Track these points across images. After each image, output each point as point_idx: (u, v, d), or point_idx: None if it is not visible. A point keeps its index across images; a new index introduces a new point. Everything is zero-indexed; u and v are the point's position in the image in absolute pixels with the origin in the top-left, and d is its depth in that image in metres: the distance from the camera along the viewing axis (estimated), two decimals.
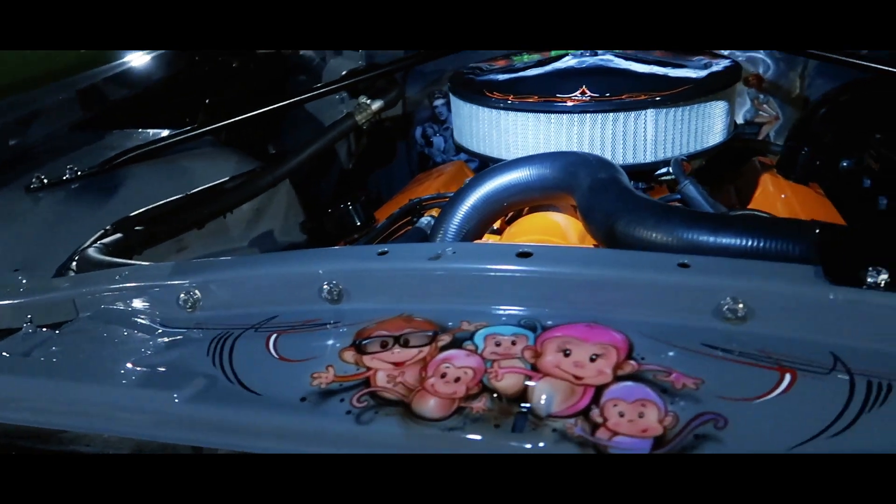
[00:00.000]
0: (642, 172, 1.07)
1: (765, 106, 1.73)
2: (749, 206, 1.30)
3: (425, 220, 1.07)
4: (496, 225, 1.07)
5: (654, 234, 0.70)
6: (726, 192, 1.49)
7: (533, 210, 1.02)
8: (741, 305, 0.57)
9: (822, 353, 0.54)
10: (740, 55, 1.69)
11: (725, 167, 1.58)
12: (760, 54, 1.70)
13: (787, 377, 0.52)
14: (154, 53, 1.67)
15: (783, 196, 1.28)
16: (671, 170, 0.96)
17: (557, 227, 0.94)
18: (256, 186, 1.34)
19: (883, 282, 0.56)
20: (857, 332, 0.55)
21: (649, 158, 1.05)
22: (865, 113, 1.50)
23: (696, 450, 0.47)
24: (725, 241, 0.66)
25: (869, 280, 0.56)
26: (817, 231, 0.63)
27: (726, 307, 0.57)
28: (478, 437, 0.51)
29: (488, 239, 1.02)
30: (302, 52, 1.84)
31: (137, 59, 1.66)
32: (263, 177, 1.36)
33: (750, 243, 0.65)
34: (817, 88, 1.64)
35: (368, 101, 1.54)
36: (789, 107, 1.70)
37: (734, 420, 0.49)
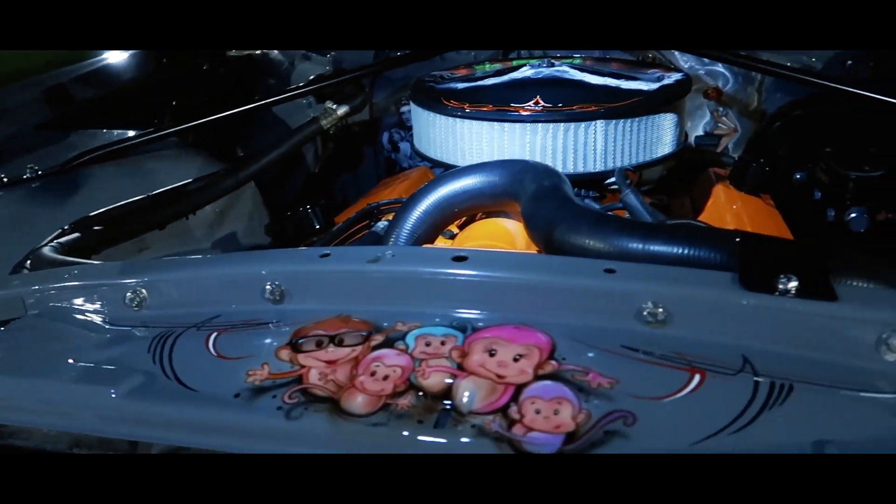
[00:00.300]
0: (593, 181, 1.10)
1: (724, 118, 1.77)
2: (701, 216, 1.34)
3: (381, 224, 1.09)
4: (454, 229, 1.09)
5: (588, 241, 0.73)
6: (682, 201, 1.53)
7: (487, 216, 1.04)
8: (661, 310, 0.60)
9: (733, 355, 0.57)
10: (700, 68, 1.74)
11: (682, 177, 1.62)
12: (720, 68, 1.74)
13: (697, 377, 0.55)
14: (123, 54, 1.68)
15: (734, 206, 1.32)
16: (615, 179, 0.99)
17: (507, 233, 0.97)
18: (220, 188, 1.36)
19: (793, 289, 0.59)
20: (767, 335, 0.58)
21: (599, 167, 1.08)
22: (817, 127, 1.55)
23: (604, 445, 0.50)
24: (653, 248, 0.69)
25: (780, 287, 0.59)
26: (737, 240, 0.66)
27: (647, 311, 0.60)
28: (400, 432, 0.53)
29: (442, 243, 1.05)
30: (271, 56, 1.85)
31: (106, 60, 1.67)
32: (227, 179, 1.37)
33: (675, 251, 0.68)
34: (774, 102, 1.69)
35: (334, 106, 1.56)
36: (747, 119, 1.75)
37: (643, 417, 0.52)
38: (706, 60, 1.72)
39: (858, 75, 1.62)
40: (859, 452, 0.49)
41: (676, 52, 1.68)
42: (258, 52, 1.91)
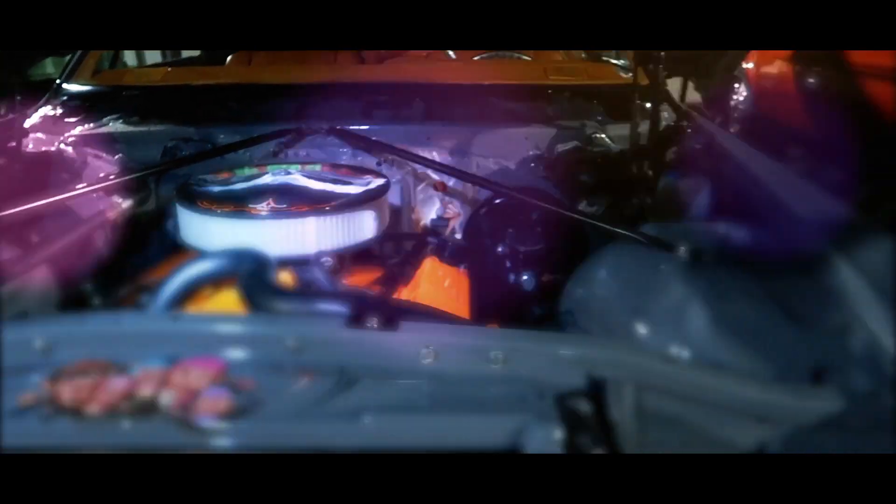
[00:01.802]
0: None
1: (450, 205, 2.29)
2: (412, 282, 1.79)
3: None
4: None
5: (266, 304, 1.12)
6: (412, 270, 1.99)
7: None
8: (296, 342, 0.99)
9: (335, 365, 0.98)
10: (433, 173, 2.24)
11: (417, 251, 2.10)
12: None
13: (307, 378, 0.95)
14: None
15: (433, 274, 1.79)
16: (310, 259, 1.40)
17: (236, 301, 1.33)
18: (9, 273, 1.60)
19: (374, 324, 1.01)
20: (356, 353, 1.00)
21: (313, 251, 1.49)
22: (507, 212, 2.10)
23: (239, 416, 0.87)
24: (306, 306, 1.09)
25: (368, 325, 1.01)
26: (354, 297, 1.08)
27: (289, 343, 0.99)
28: (118, 424, 0.87)
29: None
30: (65, 154, 2.12)
31: None
32: (19, 261, 1.62)
33: (318, 307, 1.09)
34: (483, 193, 2.22)
35: (120, 201, 1.86)
36: (467, 205, 2.27)
37: (268, 400, 0.90)
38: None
39: (538, 175, 2.22)
40: (394, 417, 0.90)
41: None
42: (52, 148, 2.16)
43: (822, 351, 1.17)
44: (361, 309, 1.04)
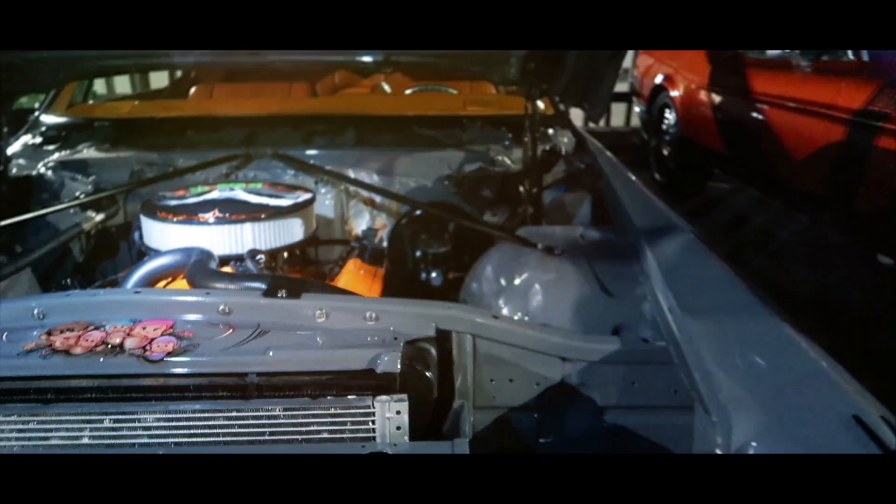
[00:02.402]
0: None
1: (378, 217, 2.70)
2: (337, 276, 2.19)
3: None
4: None
5: (202, 282, 1.51)
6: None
7: None
8: (225, 307, 1.38)
9: (253, 323, 1.37)
10: (362, 190, 2.65)
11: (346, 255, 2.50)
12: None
13: (231, 330, 1.34)
14: None
15: (355, 272, 2.19)
16: (245, 255, 1.80)
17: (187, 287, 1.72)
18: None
19: (283, 294, 1.41)
20: (270, 314, 1.39)
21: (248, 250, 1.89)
22: (423, 221, 2.52)
23: (181, 354, 1.26)
24: (234, 283, 1.48)
25: (278, 294, 1.41)
26: (271, 278, 1.48)
27: (220, 308, 1.38)
28: (96, 360, 1.25)
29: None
30: (45, 177, 2.48)
31: None
32: (6, 267, 1.98)
33: (243, 284, 1.48)
34: (405, 206, 2.64)
35: (93, 214, 2.24)
36: (391, 218, 2.68)
37: (203, 342, 1.29)
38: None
39: (449, 191, 2.63)
40: (290, 351, 1.29)
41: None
42: (34, 172, 2.52)
43: (623, 314, 1.60)
44: (273, 284, 1.44)
